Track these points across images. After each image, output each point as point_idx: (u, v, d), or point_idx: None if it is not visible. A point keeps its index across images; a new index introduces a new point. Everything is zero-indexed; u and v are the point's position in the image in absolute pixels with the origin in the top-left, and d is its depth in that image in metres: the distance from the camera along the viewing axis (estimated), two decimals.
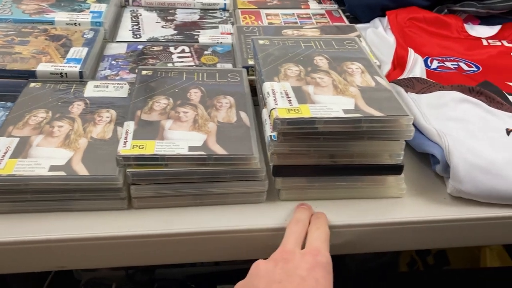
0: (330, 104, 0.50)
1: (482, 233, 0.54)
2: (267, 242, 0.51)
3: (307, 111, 0.48)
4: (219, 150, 0.50)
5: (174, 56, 0.74)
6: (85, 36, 0.73)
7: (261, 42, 0.62)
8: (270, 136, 0.50)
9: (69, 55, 0.67)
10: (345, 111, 0.49)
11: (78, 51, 0.68)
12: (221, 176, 0.51)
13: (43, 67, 0.64)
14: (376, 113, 0.49)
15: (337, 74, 0.56)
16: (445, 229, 0.53)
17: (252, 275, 0.43)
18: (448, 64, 0.79)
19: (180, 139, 0.51)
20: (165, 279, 1.09)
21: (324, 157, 0.51)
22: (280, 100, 0.50)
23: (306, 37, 0.67)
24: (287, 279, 0.42)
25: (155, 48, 0.77)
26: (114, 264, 0.52)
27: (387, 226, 0.52)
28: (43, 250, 0.49)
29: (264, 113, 0.54)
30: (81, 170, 0.49)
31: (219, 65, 0.73)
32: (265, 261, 0.44)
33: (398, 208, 0.54)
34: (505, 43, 0.84)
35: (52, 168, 0.49)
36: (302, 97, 0.51)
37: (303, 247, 0.46)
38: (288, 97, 0.51)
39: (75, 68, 0.64)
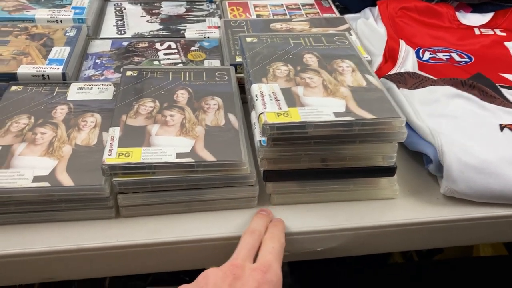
0: (321, 106, 0.48)
1: (477, 233, 0.54)
2: None
3: (296, 115, 0.47)
4: (208, 157, 0.49)
5: (160, 53, 0.72)
6: (67, 34, 0.70)
7: (248, 40, 0.61)
8: (260, 141, 0.49)
9: (50, 56, 0.65)
10: (336, 114, 0.47)
11: (60, 51, 0.66)
12: (210, 183, 0.49)
13: (24, 69, 0.62)
14: (367, 115, 0.48)
15: (327, 73, 0.55)
16: (439, 229, 0.52)
17: (200, 283, 0.41)
18: (440, 55, 0.78)
19: (167, 145, 0.50)
20: (159, 272, 1.08)
21: (315, 161, 0.50)
22: (268, 104, 0.48)
23: (295, 32, 0.66)
24: None
25: (140, 45, 0.74)
26: (104, 274, 0.51)
27: (382, 229, 0.52)
28: (29, 262, 0.48)
29: (253, 116, 0.53)
30: (66, 180, 0.47)
31: (206, 62, 0.71)
32: (215, 272, 0.42)
33: (392, 209, 0.53)
34: (498, 32, 0.83)
35: (36, 179, 0.47)
36: (291, 100, 0.49)
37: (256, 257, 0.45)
38: (277, 100, 0.49)
39: (58, 69, 0.62)
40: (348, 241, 0.52)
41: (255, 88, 0.51)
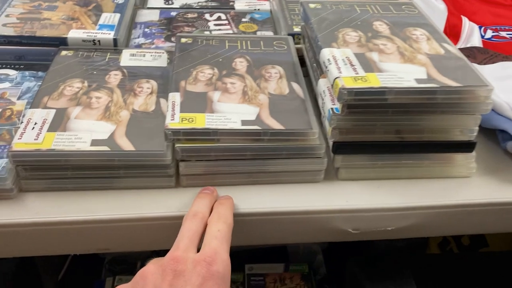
0: (400, 73, 0.45)
1: None
2: (326, 225, 0.47)
3: (375, 80, 0.43)
4: (275, 125, 0.46)
5: (211, 24, 0.69)
6: (115, 1, 0.68)
7: (312, 6, 0.57)
8: (332, 108, 0.45)
9: (100, 21, 0.62)
10: (418, 81, 0.44)
11: (110, 17, 0.63)
12: (276, 153, 0.46)
13: (74, 34, 0.59)
14: (452, 83, 0.44)
15: (401, 40, 0.51)
16: None
17: (138, 284, 0.36)
18: (503, 33, 0.73)
19: (231, 112, 0.47)
20: None
21: (390, 132, 0.47)
22: (343, 68, 0.45)
23: (359, 0, 0.62)
24: None
25: (190, 15, 0.71)
26: (161, 247, 0.48)
27: (457, 209, 0.48)
28: (84, 231, 0.45)
29: (322, 83, 0.49)
30: (126, 144, 0.45)
31: (259, 33, 0.68)
32: (153, 271, 0.37)
33: (467, 189, 0.49)
34: None
35: (94, 142, 0.44)
36: (367, 65, 0.46)
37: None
38: (352, 65, 0.46)
39: (109, 35, 0.59)
40: (420, 221, 0.48)
41: (327, 53, 0.47)
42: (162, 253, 0.40)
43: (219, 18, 0.71)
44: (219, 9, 0.74)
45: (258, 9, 0.74)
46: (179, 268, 0.36)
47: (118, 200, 0.46)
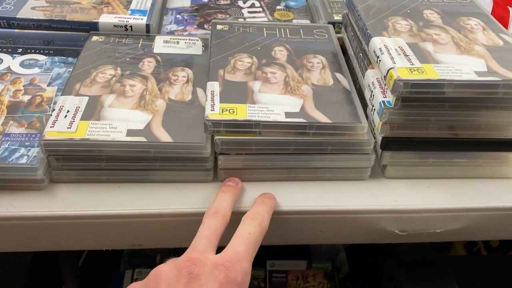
0: (458, 64, 0.42)
1: None
2: (371, 226, 0.44)
3: (433, 72, 0.40)
4: (321, 118, 0.43)
5: (245, 11, 0.66)
6: None
7: None
8: (383, 101, 0.42)
9: (132, 6, 0.60)
10: (478, 74, 0.40)
11: (142, 2, 0.61)
12: (321, 148, 0.43)
13: (106, 19, 0.56)
14: None
15: (455, 30, 0.47)
16: None
17: (150, 283, 0.34)
18: None
19: (274, 103, 0.44)
20: None
21: (443, 128, 0.43)
22: (397, 58, 0.42)
23: None
24: None
25: (222, 2, 0.69)
26: None
27: (511, 211, 0.45)
28: (117, 226, 0.43)
29: (370, 74, 0.46)
30: (163, 136, 0.42)
31: (295, 21, 0.65)
32: (168, 270, 0.34)
33: None
34: None
35: (130, 132, 0.42)
36: (422, 56, 0.43)
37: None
38: (406, 55, 0.42)
39: (141, 20, 0.57)
40: (471, 223, 0.45)
41: (378, 42, 0.44)
42: (181, 250, 0.37)
43: (252, 5, 0.68)
44: None
45: None
46: (195, 271, 0.34)
47: (152, 194, 0.43)
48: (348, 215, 0.43)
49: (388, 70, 0.40)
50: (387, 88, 0.42)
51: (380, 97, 0.43)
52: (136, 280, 0.85)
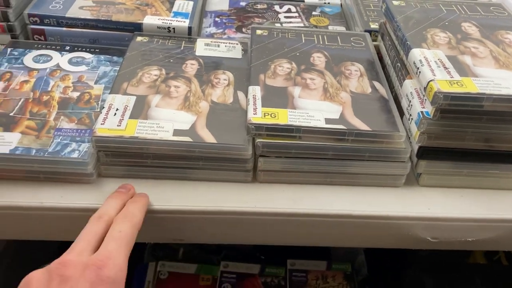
0: (497, 79, 0.43)
1: None
2: (404, 232, 0.45)
3: (472, 86, 0.41)
4: (360, 125, 0.44)
5: (281, 16, 0.68)
6: None
7: (395, 3, 0.55)
8: (422, 112, 0.43)
9: (174, 8, 0.62)
10: None
11: (184, 5, 0.63)
12: (359, 154, 0.45)
13: (150, 20, 0.59)
14: None
15: (493, 44, 0.48)
16: None
17: None
18: None
19: (313, 109, 0.46)
20: (234, 248, 1.05)
21: (479, 140, 0.44)
22: (437, 71, 0.43)
23: None
24: None
25: (259, 6, 0.70)
26: (234, 241, 0.47)
27: None
28: (159, 220, 0.45)
29: (408, 84, 0.47)
30: (208, 136, 0.44)
31: (330, 28, 0.66)
32: (39, 276, 0.34)
33: None
34: None
35: (176, 132, 0.44)
36: (461, 69, 0.44)
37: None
38: (445, 68, 0.44)
39: (184, 23, 0.59)
40: (503, 234, 0.46)
41: (417, 53, 0.46)
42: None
43: (289, 10, 0.70)
44: (289, 1, 0.72)
45: (328, 3, 0.72)
46: (66, 273, 0.34)
47: (194, 192, 0.45)
48: (382, 221, 0.45)
49: (428, 82, 0.42)
50: (426, 99, 0.43)
51: (418, 107, 0.44)
52: (160, 272, 0.87)
